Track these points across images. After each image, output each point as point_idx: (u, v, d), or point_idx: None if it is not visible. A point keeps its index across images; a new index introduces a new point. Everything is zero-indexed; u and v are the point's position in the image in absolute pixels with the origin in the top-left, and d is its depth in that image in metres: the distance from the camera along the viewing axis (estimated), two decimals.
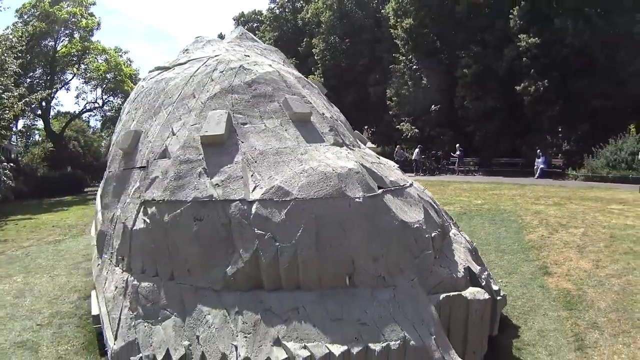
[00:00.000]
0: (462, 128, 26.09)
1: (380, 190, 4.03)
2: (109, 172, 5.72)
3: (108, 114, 36.22)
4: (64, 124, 35.55)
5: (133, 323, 3.82)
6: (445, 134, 27.24)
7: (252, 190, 3.85)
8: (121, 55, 34.99)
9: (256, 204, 3.70)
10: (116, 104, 34.37)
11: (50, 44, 29.81)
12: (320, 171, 3.82)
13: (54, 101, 32.26)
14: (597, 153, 19.29)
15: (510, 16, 23.76)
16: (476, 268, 4.75)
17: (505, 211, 10.98)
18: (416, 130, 28.39)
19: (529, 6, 22.81)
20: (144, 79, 7.30)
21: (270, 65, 5.45)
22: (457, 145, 24.66)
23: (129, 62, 36.10)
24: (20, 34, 19.61)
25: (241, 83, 5.02)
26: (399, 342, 3.20)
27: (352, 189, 3.73)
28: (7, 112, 18.49)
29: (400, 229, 3.88)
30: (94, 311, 5.01)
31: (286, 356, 3.07)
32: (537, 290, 6.20)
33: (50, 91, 26.68)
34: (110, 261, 4.70)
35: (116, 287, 4.25)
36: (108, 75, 31.98)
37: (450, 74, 26.15)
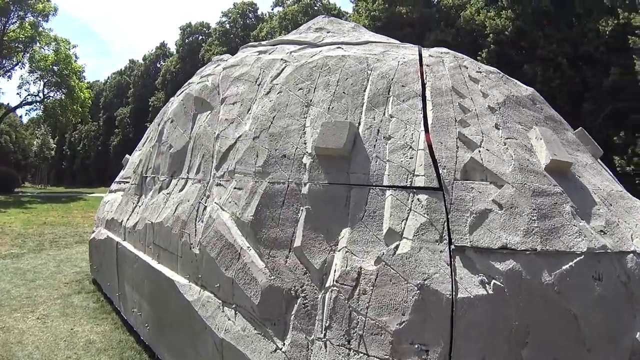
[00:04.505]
0: None
1: None
2: (280, 183, 3.57)
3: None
4: None
5: None
6: None
7: (632, 239, 3.17)
8: (69, 49, 32.38)
9: None
10: (56, 100, 31.43)
11: None
12: None
13: None
14: None
15: (478, 58, 24.67)
16: None
17: None
18: None
19: (497, 50, 23.79)
20: (279, 54, 5.33)
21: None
22: None
23: (75, 58, 33.47)
24: None
25: (521, 95, 4.03)
26: None
27: None
28: None
29: None
30: None
31: None
32: None
33: None
34: (364, 352, 2.69)
35: None
36: (55, 68, 29.24)
37: None
